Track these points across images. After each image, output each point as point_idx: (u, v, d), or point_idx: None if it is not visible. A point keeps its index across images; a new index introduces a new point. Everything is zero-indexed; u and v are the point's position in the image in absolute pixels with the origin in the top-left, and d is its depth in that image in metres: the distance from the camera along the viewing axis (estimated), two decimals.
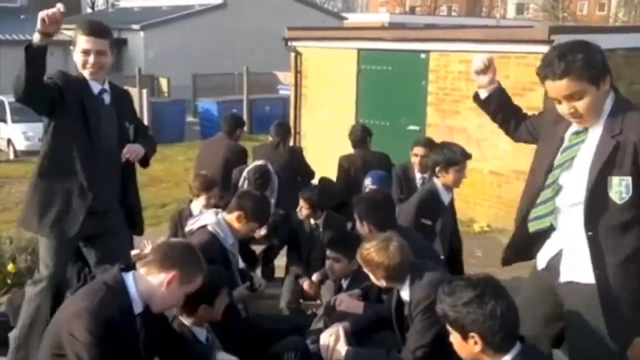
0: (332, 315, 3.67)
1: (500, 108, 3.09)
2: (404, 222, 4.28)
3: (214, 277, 3.08)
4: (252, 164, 5.95)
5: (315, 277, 4.71)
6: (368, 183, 5.32)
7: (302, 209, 4.97)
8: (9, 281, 5.18)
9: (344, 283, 4.20)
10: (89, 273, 3.73)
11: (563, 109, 2.59)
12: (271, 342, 3.41)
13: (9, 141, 15.70)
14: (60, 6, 2.99)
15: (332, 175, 6.20)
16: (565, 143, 2.70)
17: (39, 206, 3.56)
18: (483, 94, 3.07)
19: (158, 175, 10.99)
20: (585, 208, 2.56)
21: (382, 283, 3.22)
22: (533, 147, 3.00)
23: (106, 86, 3.69)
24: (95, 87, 3.63)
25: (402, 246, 3.15)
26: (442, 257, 4.24)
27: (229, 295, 3.35)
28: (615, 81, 2.66)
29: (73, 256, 3.81)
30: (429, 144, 5.54)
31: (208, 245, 3.64)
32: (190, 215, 4.71)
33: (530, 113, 3.14)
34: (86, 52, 3.52)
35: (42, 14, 2.97)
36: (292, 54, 10.87)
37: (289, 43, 10.82)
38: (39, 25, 3.00)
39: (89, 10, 39.96)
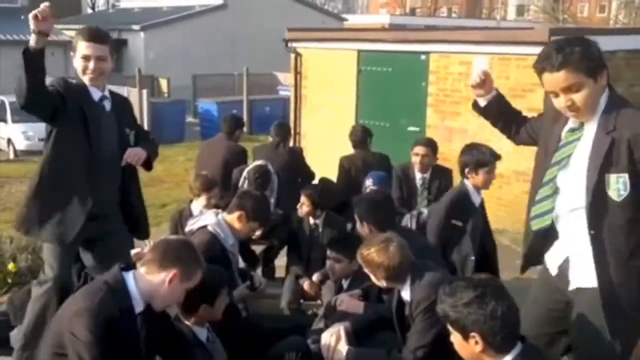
0: (333, 316, 3.68)
1: (500, 114, 3.10)
2: (435, 223, 4.30)
3: (214, 277, 3.09)
4: (252, 164, 5.96)
5: (315, 277, 4.72)
6: (369, 184, 5.32)
7: (303, 206, 4.97)
8: (9, 280, 5.19)
9: (345, 283, 4.21)
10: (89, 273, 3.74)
11: (560, 102, 2.58)
12: (272, 342, 3.42)
13: (9, 141, 15.69)
14: (46, 4, 3.03)
15: (333, 175, 6.21)
16: (562, 140, 2.70)
17: (40, 212, 3.56)
18: (482, 102, 3.09)
19: (158, 176, 10.98)
20: (587, 211, 2.56)
21: (383, 283, 3.23)
22: (533, 148, 2.99)
23: (106, 93, 3.70)
24: (96, 94, 3.63)
25: (402, 246, 3.15)
26: (472, 257, 4.24)
27: (229, 295, 3.35)
28: (615, 83, 2.67)
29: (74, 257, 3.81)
30: (430, 144, 5.57)
31: (208, 246, 3.63)
32: (191, 215, 4.71)
33: (530, 115, 3.14)
34: (86, 58, 3.52)
35: (32, 14, 3.01)
36: (292, 55, 10.87)
37: (289, 44, 10.82)
38: (32, 25, 3.03)
39: (89, 11, 39.90)
